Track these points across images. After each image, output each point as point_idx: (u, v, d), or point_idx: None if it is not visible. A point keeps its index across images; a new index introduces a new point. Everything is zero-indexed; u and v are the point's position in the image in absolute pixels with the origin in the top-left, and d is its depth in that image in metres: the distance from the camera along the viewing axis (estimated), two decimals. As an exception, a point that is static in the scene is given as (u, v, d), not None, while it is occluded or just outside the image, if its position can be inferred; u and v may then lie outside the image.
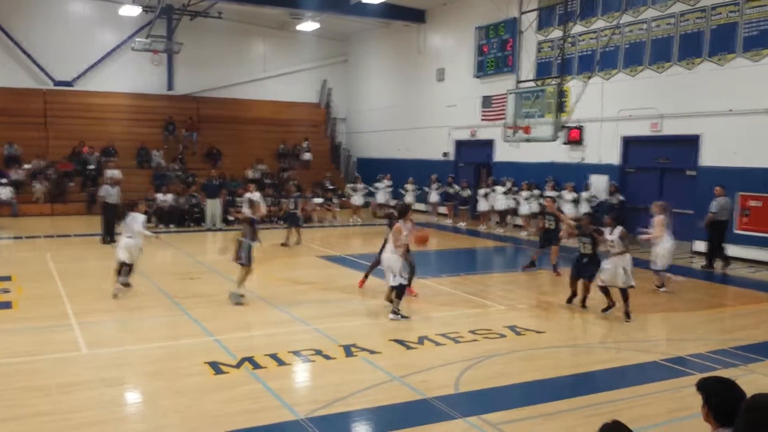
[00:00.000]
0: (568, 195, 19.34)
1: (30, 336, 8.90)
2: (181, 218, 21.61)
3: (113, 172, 23.83)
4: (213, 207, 21.03)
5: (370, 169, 28.76)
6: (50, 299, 11.00)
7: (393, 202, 21.95)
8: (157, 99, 30.03)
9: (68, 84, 28.62)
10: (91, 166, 26.01)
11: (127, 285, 11.46)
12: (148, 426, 6.17)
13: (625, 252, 10.28)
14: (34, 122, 27.23)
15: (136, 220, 11.48)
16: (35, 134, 26.88)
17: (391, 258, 10.05)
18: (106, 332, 9.31)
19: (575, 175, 19.90)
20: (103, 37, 28.98)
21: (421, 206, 25.68)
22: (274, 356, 8.02)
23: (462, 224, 23.19)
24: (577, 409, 6.60)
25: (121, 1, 27.11)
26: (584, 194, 19.21)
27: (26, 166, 25.16)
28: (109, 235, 17.51)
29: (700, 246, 16.84)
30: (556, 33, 20.70)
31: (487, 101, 23.91)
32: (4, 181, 23.61)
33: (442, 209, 24.78)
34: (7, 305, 10.62)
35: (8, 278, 12.65)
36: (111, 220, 17.60)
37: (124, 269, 11.42)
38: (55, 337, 8.87)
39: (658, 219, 12.22)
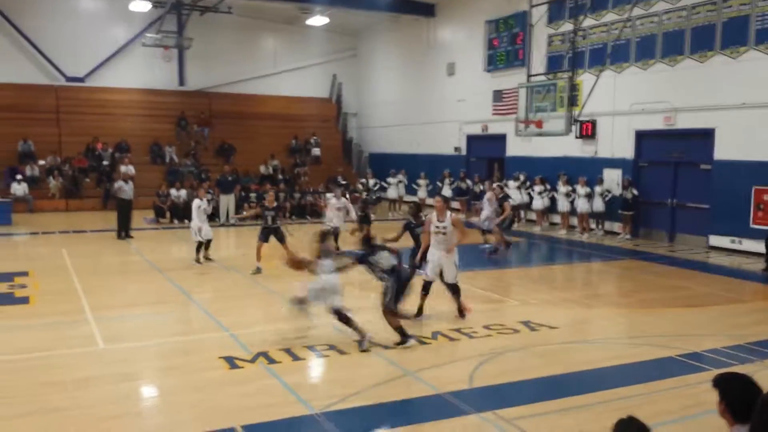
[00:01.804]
0: (582, 189, 19.27)
1: (47, 331, 8.99)
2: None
3: (127, 168, 23.99)
4: (227, 202, 21.13)
5: (382, 164, 28.77)
6: (67, 294, 11.10)
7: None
8: (168, 95, 30.16)
9: (80, 80, 28.77)
10: (105, 162, 26.17)
11: (208, 259, 14.07)
12: (165, 420, 6.23)
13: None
14: (46, 118, 27.42)
15: (194, 204, 13.95)
16: (48, 130, 27.05)
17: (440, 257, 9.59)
18: (122, 327, 9.37)
19: (588, 170, 19.81)
20: (113, 33, 29.11)
21: (433, 201, 25.63)
22: (288, 351, 8.06)
23: (475, 219, 23.10)
24: (592, 404, 6.59)
25: (131, -4, 27.21)
26: (597, 189, 19.13)
27: (41, 162, 25.36)
28: (124, 230, 17.64)
29: (715, 241, 16.75)
30: (567, 26, 20.57)
31: (498, 95, 23.82)
32: (19, 177, 23.80)
33: (455, 204, 24.74)
34: (24, 300, 10.73)
35: (25, 273, 12.76)
36: (126, 215, 17.71)
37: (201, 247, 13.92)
38: (72, 332, 8.95)
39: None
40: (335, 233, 14.49)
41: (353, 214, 15.59)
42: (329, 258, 8.48)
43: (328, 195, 16.42)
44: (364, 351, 8.07)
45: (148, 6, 27.18)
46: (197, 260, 13.98)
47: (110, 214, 20.05)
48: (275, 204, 13.76)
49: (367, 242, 8.75)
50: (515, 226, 21.30)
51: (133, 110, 29.14)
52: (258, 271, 13.00)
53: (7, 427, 5.94)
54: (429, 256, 9.73)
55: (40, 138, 26.32)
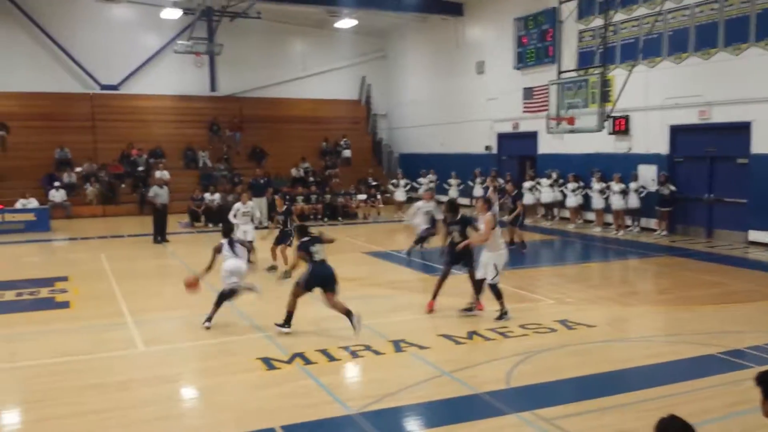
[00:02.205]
0: (616, 186, 19.03)
1: (87, 335, 9.17)
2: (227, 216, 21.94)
3: (162, 173, 24.35)
4: (260, 205, 21.30)
5: (413, 165, 28.75)
6: (106, 298, 11.31)
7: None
8: (200, 100, 30.55)
9: (114, 87, 29.30)
10: (140, 168, 26.60)
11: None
12: (205, 422, 6.31)
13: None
14: (82, 126, 27.96)
15: (234, 207, 14.30)
16: (84, 138, 27.57)
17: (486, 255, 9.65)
18: (160, 330, 9.52)
19: (622, 166, 19.55)
20: (146, 41, 29.60)
21: (465, 201, 25.55)
22: (324, 352, 8.10)
23: (507, 218, 22.97)
24: (633, 403, 6.50)
25: (162, 4, 27.61)
26: (632, 185, 18.88)
27: (78, 169, 25.86)
28: (160, 235, 17.90)
29: (755, 236, 16.41)
30: (597, 21, 20.32)
31: (528, 93, 23.64)
32: (57, 184, 24.31)
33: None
34: (65, 305, 10.95)
35: (65, 278, 13.03)
36: (161, 219, 17.97)
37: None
38: (111, 335, 9.11)
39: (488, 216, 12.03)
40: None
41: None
42: None
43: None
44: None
45: (179, 13, 27.60)
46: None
47: (146, 219, 20.36)
48: (284, 208, 14.11)
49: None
50: (548, 224, 21.15)
51: (166, 116, 29.59)
52: (272, 268, 13.44)
53: (51, 429, 6.07)
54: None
55: (77, 145, 26.84)
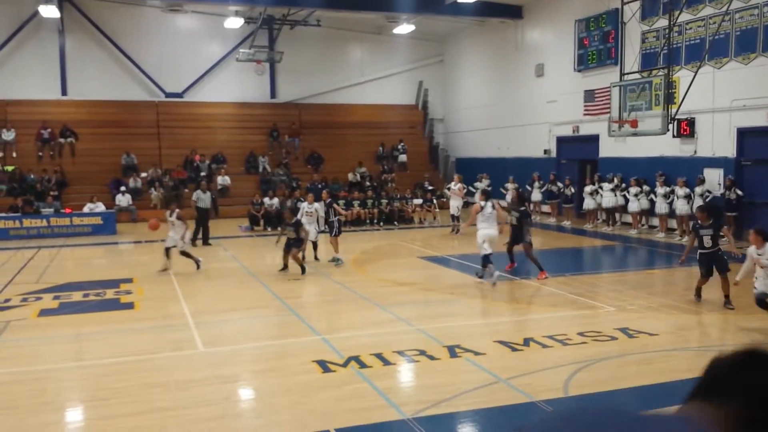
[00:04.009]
0: (681, 190, 18.47)
1: (151, 335, 9.44)
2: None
3: (224, 179, 24.89)
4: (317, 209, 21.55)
5: (469, 169, 28.56)
6: (169, 300, 11.62)
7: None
8: (261, 107, 31.13)
9: (178, 95, 30.15)
10: (203, 174, 27.27)
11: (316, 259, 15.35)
12: (263, 422, 6.40)
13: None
14: (148, 133, 28.87)
15: (300, 206, 15.40)
16: (149, 144, 28.47)
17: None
18: (220, 331, 9.72)
19: (687, 170, 18.96)
20: (209, 50, 30.37)
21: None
22: (379, 356, 8.12)
23: (567, 223, 22.64)
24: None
25: (225, 14, 28.29)
26: (698, 189, 18.28)
27: (143, 174, 26.69)
28: (203, 239, 18.31)
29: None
30: (662, 22, 19.79)
31: (589, 95, 23.19)
32: (123, 189, 25.14)
33: (545, 208, 24.28)
34: (129, 306, 11.31)
35: (130, 280, 13.45)
36: (202, 223, 18.43)
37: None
38: (174, 336, 9.36)
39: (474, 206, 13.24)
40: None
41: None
42: None
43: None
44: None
45: (241, 23, 28.22)
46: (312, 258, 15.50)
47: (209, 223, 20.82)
48: (328, 200, 15.42)
49: None
50: (610, 230, 20.69)
51: (228, 123, 30.28)
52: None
53: (116, 425, 6.26)
54: None
55: (142, 151, 27.73)
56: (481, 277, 12.66)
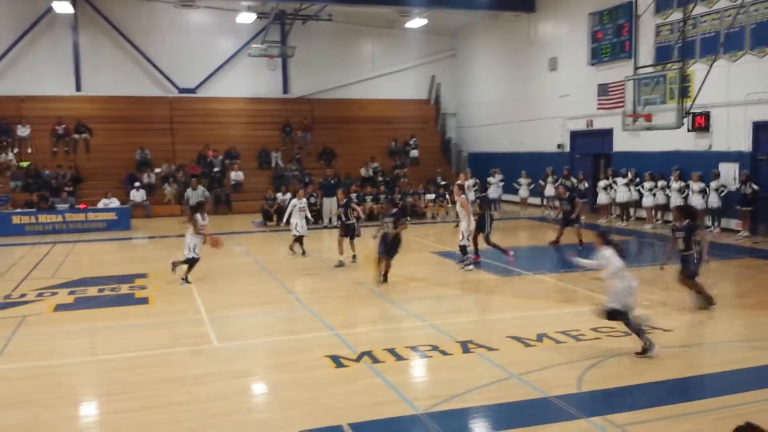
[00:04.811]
0: (696, 185, 18.33)
1: (166, 330, 9.52)
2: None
3: (237, 174, 24.93)
4: (330, 205, 21.60)
5: (482, 164, 28.50)
6: (183, 295, 11.70)
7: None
8: (273, 102, 31.20)
9: (191, 91, 30.25)
10: (216, 169, 27.38)
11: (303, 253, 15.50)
12: (276, 416, 6.44)
13: None
14: (161, 128, 29.00)
15: (292, 203, 15.33)
16: (163, 139, 28.60)
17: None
18: (234, 326, 9.78)
19: (702, 164, 18.81)
20: (221, 45, 30.44)
21: (536, 200, 25.16)
22: (392, 351, 8.13)
23: (581, 218, 22.48)
24: (708, 411, 6.26)
25: (237, 9, 28.34)
26: (713, 184, 18.13)
27: (157, 170, 26.84)
28: None
29: None
30: (676, 15, 19.63)
31: (603, 89, 23.06)
32: (137, 184, 25.29)
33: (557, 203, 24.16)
34: (144, 301, 11.39)
35: (144, 275, 13.55)
36: None
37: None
38: (188, 330, 9.43)
39: (461, 199, 13.96)
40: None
41: None
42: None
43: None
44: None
45: (253, 18, 28.28)
46: (291, 249, 15.79)
47: (221, 218, 20.93)
48: (345, 200, 15.07)
49: None
50: (624, 225, 20.57)
51: (240, 118, 30.37)
52: (340, 265, 14.11)
53: (132, 419, 6.33)
54: None
55: (156, 147, 27.87)
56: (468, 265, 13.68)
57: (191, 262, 12.58)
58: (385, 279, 12.25)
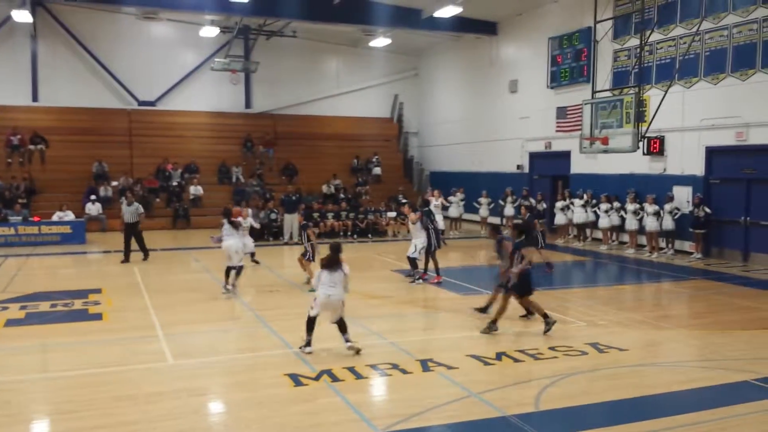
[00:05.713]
0: (650, 207, 18.76)
1: (119, 347, 9.29)
2: (260, 232, 22.05)
3: (196, 189, 24.59)
4: (291, 221, 21.48)
5: (443, 183, 28.70)
6: (138, 311, 11.46)
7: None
8: (235, 117, 31.00)
9: (151, 104, 29.88)
10: (175, 183, 27.01)
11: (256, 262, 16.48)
12: (232, 436, 6.32)
13: None
14: (119, 141, 28.55)
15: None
16: (121, 152, 28.13)
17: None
18: (190, 343, 9.60)
19: (657, 187, 19.29)
20: (183, 58, 30.19)
21: (495, 220, 25.41)
22: (351, 369, 8.09)
23: (545, 239, 22.78)
24: (664, 430, 6.36)
25: (200, 23, 28.18)
26: (667, 206, 18.58)
27: (114, 183, 26.34)
28: (141, 251, 17.47)
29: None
30: (633, 41, 20.19)
31: (561, 112, 23.52)
32: (93, 197, 24.78)
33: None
34: (97, 317, 11.13)
35: (98, 291, 13.25)
36: (127, 238, 17.35)
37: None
38: (142, 347, 9.22)
39: (412, 216, 14.65)
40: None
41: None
42: None
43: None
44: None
45: (217, 31, 28.15)
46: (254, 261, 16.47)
47: (180, 233, 20.60)
48: (302, 223, 14.84)
49: None
50: (581, 245, 20.90)
51: (201, 132, 30.10)
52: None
53: (83, 439, 6.15)
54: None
55: (114, 159, 27.38)
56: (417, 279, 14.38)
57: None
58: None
